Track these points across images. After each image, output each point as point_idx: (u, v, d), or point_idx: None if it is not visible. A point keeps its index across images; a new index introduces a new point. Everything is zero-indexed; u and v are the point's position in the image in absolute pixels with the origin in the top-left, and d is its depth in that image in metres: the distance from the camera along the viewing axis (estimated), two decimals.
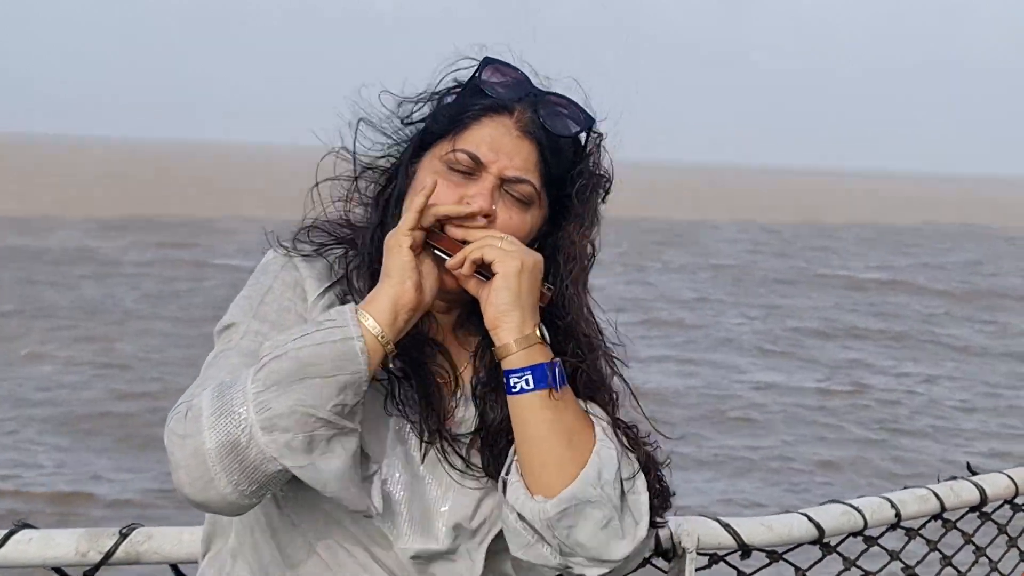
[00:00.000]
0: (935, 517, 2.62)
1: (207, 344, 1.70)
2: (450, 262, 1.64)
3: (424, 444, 1.67)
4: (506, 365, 1.63)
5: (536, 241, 1.71)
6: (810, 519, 2.36)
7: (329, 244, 1.74)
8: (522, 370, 1.62)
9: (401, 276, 1.59)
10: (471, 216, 1.64)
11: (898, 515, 2.51)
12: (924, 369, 15.91)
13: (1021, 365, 16.44)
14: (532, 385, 1.62)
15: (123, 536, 1.98)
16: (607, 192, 1.76)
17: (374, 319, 1.56)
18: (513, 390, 1.63)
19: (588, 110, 1.72)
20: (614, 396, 1.72)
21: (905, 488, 2.60)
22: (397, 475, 1.66)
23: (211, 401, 1.51)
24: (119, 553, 1.98)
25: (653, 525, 1.66)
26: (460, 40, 1.76)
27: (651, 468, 1.67)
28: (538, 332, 1.63)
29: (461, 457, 1.68)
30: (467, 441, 1.69)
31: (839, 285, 24.91)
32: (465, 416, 1.71)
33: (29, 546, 1.94)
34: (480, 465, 1.69)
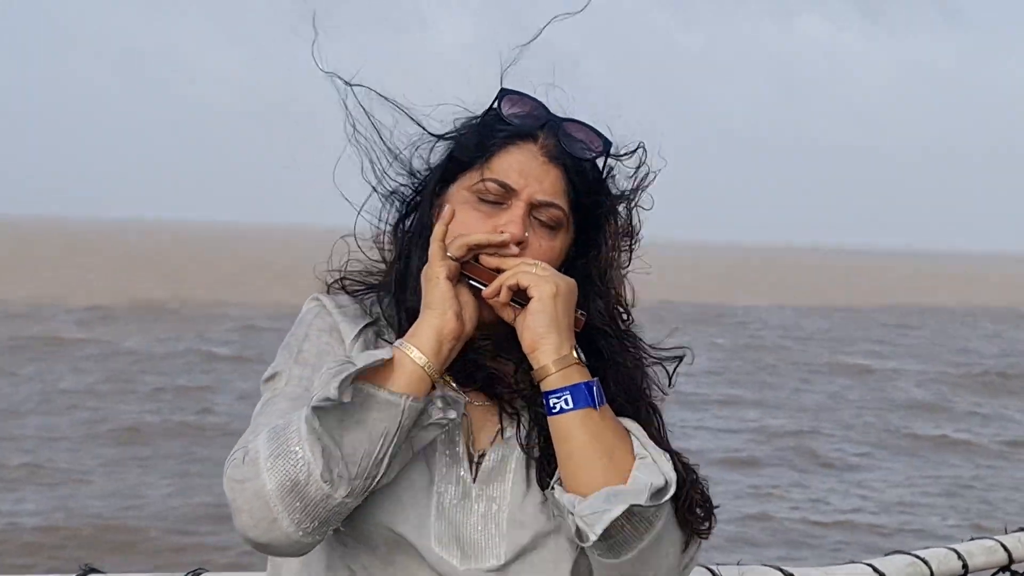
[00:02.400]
0: (1003, 569, 2.62)
1: None
2: (486, 291, 1.70)
3: (475, 465, 1.72)
4: (545, 387, 1.68)
5: (564, 266, 1.76)
6: (875, 569, 2.39)
7: (360, 290, 1.82)
8: (561, 390, 1.66)
9: (442, 306, 1.66)
10: (504, 244, 1.70)
11: (965, 567, 2.51)
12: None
13: None
14: (571, 405, 1.66)
15: None
16: (630, 209, 1.81)
17: (419, 350, 1.63)
18: (553, 411, 1.67)
19: (603, 134, 1.78)
20: (653, 413, 1.77)
21: (972, 540, 2.62)
22: (451, 498, 1.71)
23: (267, 443, 1.57)
24: None
25: (698, 535, 1.71)
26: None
27: (690, 481, 1.71)
28: (574, 354, 1.68)
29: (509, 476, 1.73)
30: (512, 461, 1.74)
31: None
32: (510, 437, 1.75)
33: None
34: (527, 483, 1.73)
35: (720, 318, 33.35)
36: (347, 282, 1.83)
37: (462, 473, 1.72)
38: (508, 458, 1.74)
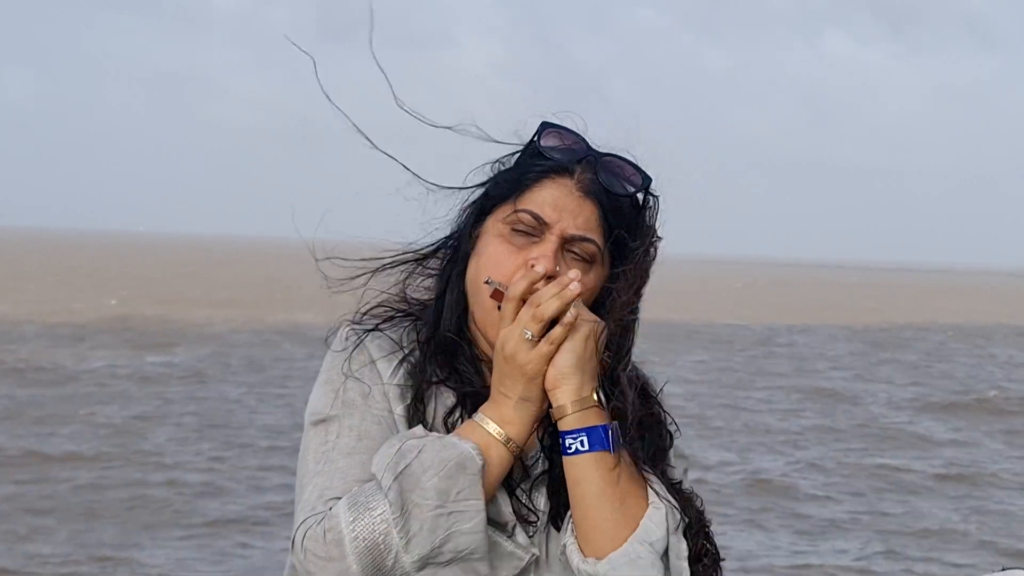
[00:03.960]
0: None
1: None
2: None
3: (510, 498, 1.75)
4: (562, 426, 1.70)
5: (597, 300, 1.77)
6: None
7: (394, 318, 1.83)
8: (577, 432, 1.68)
9: (540, 400, 1.70)
10: (545, 277, 1.70)
11: None
12: None
13: None
14: (587, 447, 1.68)
15: None
16: (655, 249, 1.81)
17: (513, 439, 1.69)
18: (568, 451, 1.70)
19: (643, 170, 1.79)
20: (669, 456, 1.79)
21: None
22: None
23: (350, 523, 1.61)
24: None
25: None
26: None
27: (700, 530, 1.73)
28: (595, 396, 1.70)
29: (531, 511, 1.76)
30: (539, 490, 1.76)
31: None
32: (535, 467, 1.77)
33: None
34: (547, 511, 1.76)
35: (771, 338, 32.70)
36: (379, 309, 1.85)
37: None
38: (531, 495, 1.76)
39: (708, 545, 1.73)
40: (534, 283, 1.70)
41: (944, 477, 13.59)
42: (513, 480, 1.75)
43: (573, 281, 1.69)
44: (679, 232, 1.88)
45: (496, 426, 1.70)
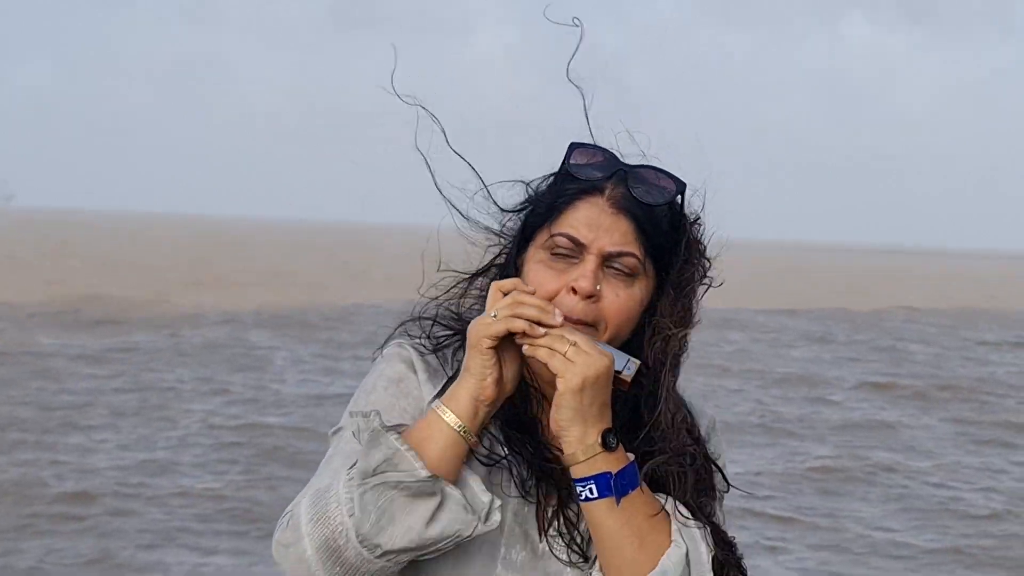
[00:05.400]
0: None
1: None
2: (526, 350, 1.71)
3: (543, 524, 1.77)
4: (572, 474, 1.71)
5: (649, 311, 1.80)
6: None
7: (445, 336, 1.87)
8: (585, 480, 1.70)
9: (481, 373, 1.70)
10: (553, 326, 1.69)
11: None
12: None
13: None
14: (596, 494, 1.70)
15: None
16: (707, 280, 1.83)
17: (455, 414, 1.69)
18: (580, 498, 1.71)
19: (678, 176, 1.80)
20: (704, 485, 1.79)
21: None
22: (518, 554, 1.76)
23: (308, 507, 1.65)
24: None
25: None
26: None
27: (731, 563, 1.75)
28: (600, 441, 1.69)
29: (577, 534, 1.78)
30: (581, 516, 1.76)
31: None
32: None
33: None
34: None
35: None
36: (435, 326, 1.88)
37: (531, 531, 1.78)
38: (575, 514, 1.78)
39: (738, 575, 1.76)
40: (542, 323, 1.71)
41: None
42: (558, 497, 1.79)
43: (552, 314, 1.71)
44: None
45: (443, 404, 1.71)
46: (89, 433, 13.40)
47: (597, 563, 1.74)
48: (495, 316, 1.71)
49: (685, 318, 1.81)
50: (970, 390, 19.75)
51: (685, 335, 1.81)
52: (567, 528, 1.78)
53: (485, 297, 1.82)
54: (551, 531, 1.78)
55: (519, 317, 1.70)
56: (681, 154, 1.83)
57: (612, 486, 1.69)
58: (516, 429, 1.81)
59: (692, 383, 1.99)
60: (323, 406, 15.65)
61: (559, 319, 1.71)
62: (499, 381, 1.71)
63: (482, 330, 1.70)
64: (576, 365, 1.68)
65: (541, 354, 1.70)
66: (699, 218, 1.85)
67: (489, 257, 1.90)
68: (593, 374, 1.68)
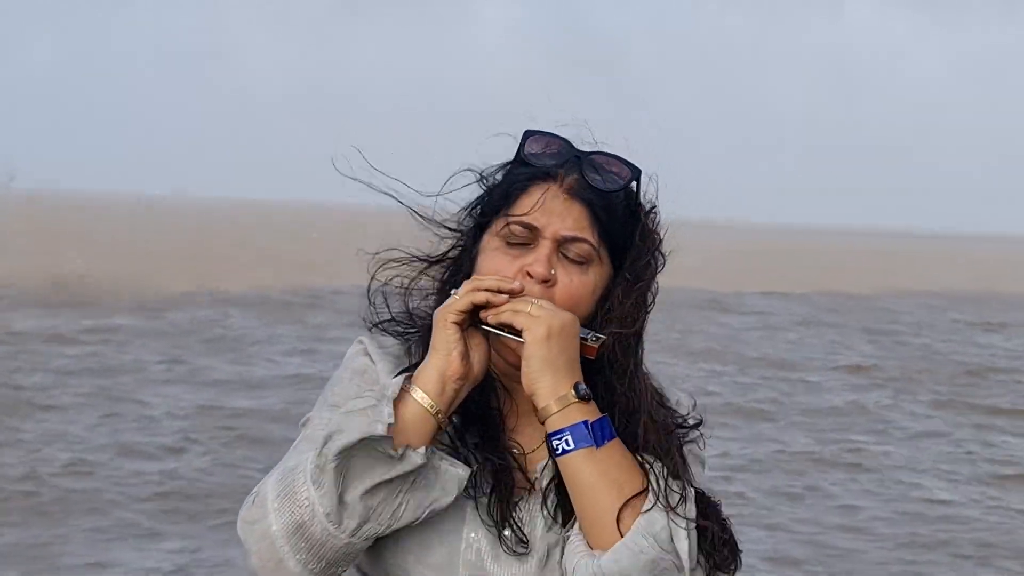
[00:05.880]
0: None
1: None
2: (488, 328, 1.75)
3: (504, 512, 1.78)
4: (547, 428, 1.73)
5: (606, 298, 1.81)
6: None
7: (406, 333, 1.90)
8: (561, 431, 1.72)
9: (447, 348, 1.73)
10: (514, 292, 1.74)
11: None
12: None
13: None
14: (573, 445, 1.71)
15: None
16: (662, 261, 1.85)
17: (423, 391, 1.71)
18: (556, 452, 1.73)
19: (632, 163, 1.82)
20: (675, 445, 1.80)
21: None
22: (480, 542, 1.78)
23: (275, 485, 1.67)
24: None
25: (724, 570, 1.75)
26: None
27: (712, 518, 1.76)
28: (574, 392, 1.72)
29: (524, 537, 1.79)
30: (539, 506, 1.80)
31: None
32: (547, 476, 1.80)
33: None
34: (557, 528, 1.79)
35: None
36: (392, 323, 1.90)
37: (489, 519, 1.78)
38: (537, 503, 1.80)
39: (725, 535, 1.77)
40: (503, 291, 1.75)
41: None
42: (512, 496, 1.80)
43: (511, 283, 1.75)
44: (702, 197, 1.95)
45: (411, 383, 1.74)
46: (52, 414, 13.39)
47: (576, 524, 1.75)
48: (456, 295, 1.75)
49: (639, 306, 1.82)
50: (952, 374, 19.72)
51: (639, 322, 1.82)
52: (527, 518, 1.80)
53: (441, 287, 1.88)
54: (511, 520, 1.79)
55: (479, 290, 1.74)
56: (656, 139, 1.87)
57: (590, 433, 1.71)
58: (476, 420, 1.83)
59: (674, 367, 1.97)
60: (298, 389, 15.62)
61: (519, 285, 1.75)
62: (464, 355, 1.73)
63: (445, 308, 1.75)
64: (541, 318, 1.72)
65: (505, 316, 1.73)
66: (655, 207, 1.87)
67: (446, 247, 1.92)
68: (558, 324, 1.72)
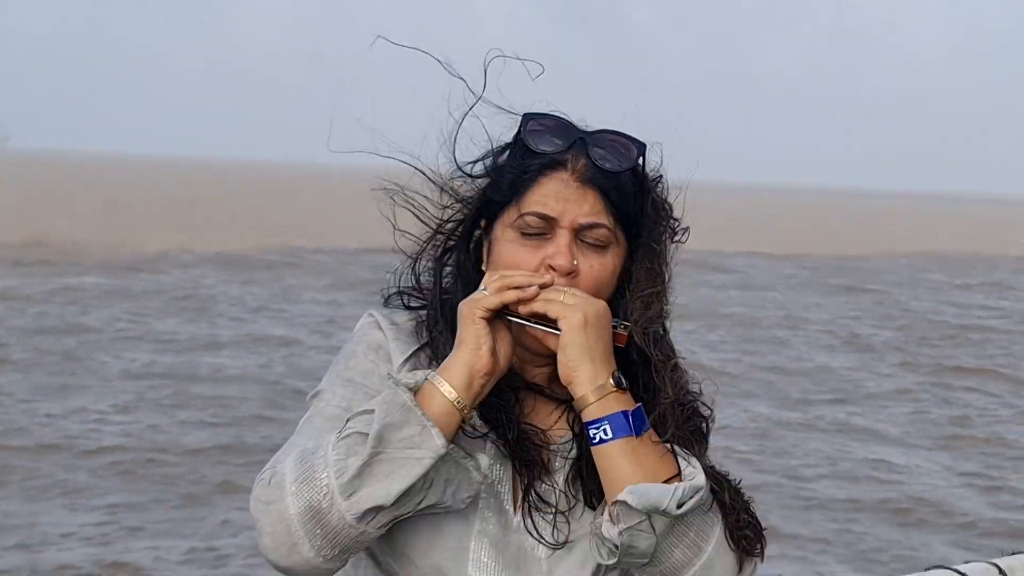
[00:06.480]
0: None
1: None
2: (520, 321, 1.73)
3: (520, 495, 1.78)
4: (584, 417, 1.71)
5: (621, 280, 1.81)
6: None
7: (417, 307, 1.88)
8: (599, 420, 1.70)
9: (476, 343, 1.70)
10: (546, 286, 1.72)
11: None
12: None
13: None
14: (611, 435, 1.70)
15: None
16: (677, 232, 1.84)
17: (450, 385, 1.68)
18: (593, 441, 1.71)
19: (636, 138, 1.80)
20: (702, 430, 1.81)
21: (1014, 554, 2.71)
22: (492, 527, 1.77)
23: (294, 467, 1.64)
24: None
25: (750, 553, 1.75)
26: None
27: (738, 504, 1.75)
28: (611, 381, 1.70)
29: (554, 512, 1.79)
30: (556, 495, 1.79)
31: None
32: (565, 456, 1.81)
33: None
34: (582, 506, 1.79)
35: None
36: (405, 297, 1.89)
37: (505, 505, 1.78)
38: (551, 492, 1.79)
39: (749, 518, 1.76)
40: (534, 285, 1.73)
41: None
42: (532, 473, 1.80)
43: (540, 276, 1.74)
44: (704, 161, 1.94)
45: (439, 376, 1.71)
46: (3, 372, 13.35)
47: (606, 510, 1.73)
48: (485, 291, 1.73)
49: (659, 278, 1.82)
50: (923, 336, 19.70)
51: (663, 294, 1.82)
52: (540, 504, 1.80)
53: (438, 261, 1.87)
54: (525, 506, 1.79)
55: (508, 287, 1.73)
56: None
57: (629, 424, 1.70)
58: (494, 407, 1.81)
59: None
60: (258, 352, 15.58)
61: (549, 278, 1.74)
62: (493, 351, 1.72)
63: (474, 303, 1.73)
64: (576, 306, 1.71)
65: (538, 306, 1.72)
66: (661, 176, 1.86)
67: (446, 215, 1.90)
68: (593, 312, 1.71)
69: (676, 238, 1.85)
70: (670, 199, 1.86)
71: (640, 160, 1.82)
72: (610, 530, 1.70)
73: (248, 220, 39.55)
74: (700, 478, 1.71)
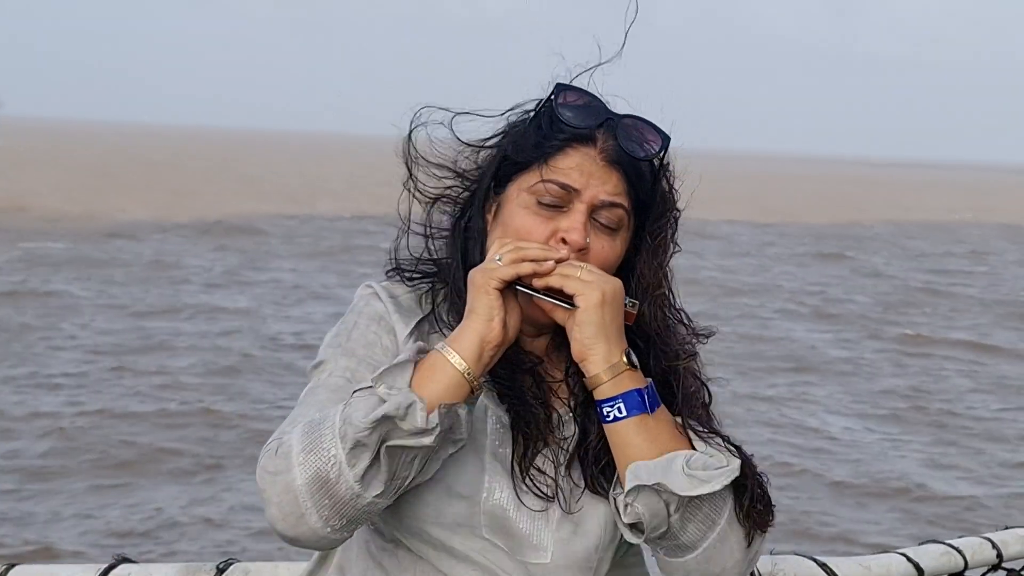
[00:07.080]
0: None
1: None
2: (538, 297, 1.71)
3: (526, 463, 1.78)
4: (598, 395, 1.72)
5: (623, 263, 1.80)
6: (909, 559, 2.49)
7: (417, 278, 1.87)
8: (613, 399, 1.70)
9: (488, 314, 1.68)
10: (561, 262, 1.71)
11: (999, 556, 2.61)
12: None
13: None
14: (625, 412, 1.70)
15: (220, 571, 2.19)
16: (676, 222, 1.84)
17: (460, 356, 1.67)
18: (607, 419, 1.72)
19: (663, 129, 1.80)
20: (708, 405, 1.82)
21: (1007, 528, 2.69)
22: (501, 493, 1.76)
23: (301, 438, 1.63)
24: None
25: (761, 529, 1.76)
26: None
27: (750, 476, 1.74)
28: (625, 359, 1.71)
29: (553, 483, 1.78)
30: (565, 461, 1.79)
31: None
32: (567, 434, 1.81)
33: None
34: (583, 482, 1.79)
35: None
36: (404, 272, 1.88)
37: (511, 476, 1.78)
38: (559, 454, 1.79)
39: (760, 491, 1.76)
40: (550, 259, 1.72)
41: None
42: (534, 447, 1.79)
43: (556, 250, 1.73)
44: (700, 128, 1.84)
45: (448, 346, 1.70)
46: None
47: (623, 493, 1.73)
48: (499, 260, 1.72)
49: (662, 267, 1.83)
50: (890, 302, 19.68)
51: (666, 281, 1.83)
52: (548, 468, 1.80)
53: (453, 228, 1.86)
54: (532, 471, 1.79)
55: (524, 259, 1.72)
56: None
57: (644, 401, 1.71)
58: (500, 377, 1.81)
59: None
60: (217, 320, 15.52)
61: (564, 253, 1.73)
62: (504, 323, 1.70)
63: (489, 273, 1.71)
64: (593, 283, 1.70)
65: (555, 280, 1.71)
66: (669, 162, 1.86)
67: (446, 184, 1.88)
68: (611, 290, 1.71)
69: (676, 243, 1.85)
70: (675, 182, 1.86)
71: (663, 153, 1.82)
72: (630, 508, 1.70)
73: (233, 189, 39.51)
74: (735, 464, 1.71)
